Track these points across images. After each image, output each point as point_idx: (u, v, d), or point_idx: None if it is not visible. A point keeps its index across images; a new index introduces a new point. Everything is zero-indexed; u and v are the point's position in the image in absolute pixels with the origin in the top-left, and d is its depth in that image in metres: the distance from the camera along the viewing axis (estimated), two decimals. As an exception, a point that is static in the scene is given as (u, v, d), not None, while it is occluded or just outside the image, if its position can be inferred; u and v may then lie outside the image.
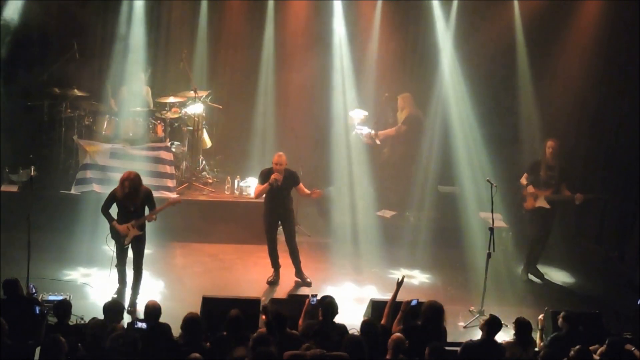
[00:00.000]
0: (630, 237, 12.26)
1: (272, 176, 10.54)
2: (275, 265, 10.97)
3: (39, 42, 12.73)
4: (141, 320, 7.84)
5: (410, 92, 13.38)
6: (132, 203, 9.66)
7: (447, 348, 7.76)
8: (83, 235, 11.31)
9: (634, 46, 12.21)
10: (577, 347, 7.59)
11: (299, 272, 10.97)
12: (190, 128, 12.96)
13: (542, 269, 11.68)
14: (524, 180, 11.43)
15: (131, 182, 9.56)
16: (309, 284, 10.87)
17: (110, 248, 9.76)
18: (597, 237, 12.95)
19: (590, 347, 7.90)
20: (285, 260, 11.02)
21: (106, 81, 12.79)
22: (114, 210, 9.79)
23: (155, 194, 10.57)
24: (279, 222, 10.89)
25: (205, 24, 13.31)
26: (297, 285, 10.84)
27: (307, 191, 10.83)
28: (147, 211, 9.81)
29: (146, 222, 9.82)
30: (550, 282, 11.50)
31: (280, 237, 10.99)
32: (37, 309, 8.08)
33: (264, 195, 10.74)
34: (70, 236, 11.43)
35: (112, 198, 9.80)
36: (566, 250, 12.31)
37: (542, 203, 11.19)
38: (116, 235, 9.76)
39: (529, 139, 13.17)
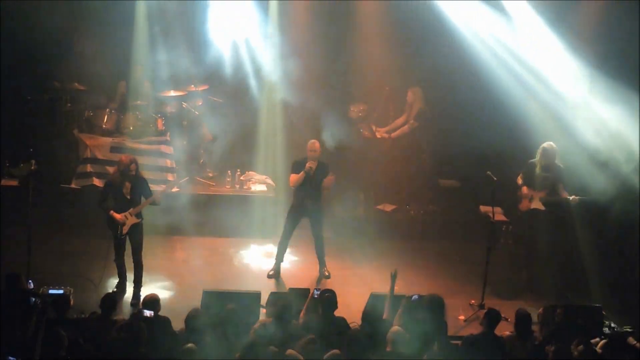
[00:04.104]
0: (630, 231, 12.23)
1: (307, 164, 10.56)
2: (279, 258, 10.98)
3: (39, 38, 12.69)
4: (146, 308, 7.87)
5: (413, 83, 13.37)
6: (132, 188, 9.71)
7: (449, 342, 7.79)
8: (83, 229, 11.32)
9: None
10: (580, 346, 7.59)
11: (321, 266, 11.00)
12: (191, 122, 12.98)
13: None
14: (519, 181, 11.34)
15: (137, 165, 9.73)
16: (327, 277, 10.94)
17: None
18: (597, 232, 12.91)
19: (591, 341, 7.92)
20: (290, 254, 11.06)
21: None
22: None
23: (156, 187, 10.63)
24: (304, 216, 10.90)
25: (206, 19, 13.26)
26: (297, 279, 10.84)
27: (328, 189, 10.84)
28: (142, 200, 9.92)
29: (142, 211, 9.87)
30: (550, 277, 11.47)
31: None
32: (32, 300, 8.09)
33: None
34: (70, 230, 11.45)
35: (107, 189, 9.86)
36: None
37: (537, 204, 11.11)
38: (113, 226, 9.81)
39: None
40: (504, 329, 8.43)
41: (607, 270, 11.80)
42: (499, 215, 11.03)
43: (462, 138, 13.19)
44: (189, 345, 7.15)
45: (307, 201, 10.73)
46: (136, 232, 9.89)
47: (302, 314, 8.44)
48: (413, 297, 8.34)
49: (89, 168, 12.29)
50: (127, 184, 9.80)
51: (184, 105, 12.99)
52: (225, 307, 7.97)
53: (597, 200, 11.49)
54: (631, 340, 7.97)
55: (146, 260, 10.15)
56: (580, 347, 7.57)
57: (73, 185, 12.22)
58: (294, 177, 10.72)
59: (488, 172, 10.68)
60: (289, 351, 7.40)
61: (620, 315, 9.51)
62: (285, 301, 8.18)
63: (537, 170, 11.15)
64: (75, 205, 11.90)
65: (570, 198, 11.00)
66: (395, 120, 13.56)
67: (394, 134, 13.35)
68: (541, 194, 11.11)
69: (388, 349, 7.54)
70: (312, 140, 10.77)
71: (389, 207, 13.29)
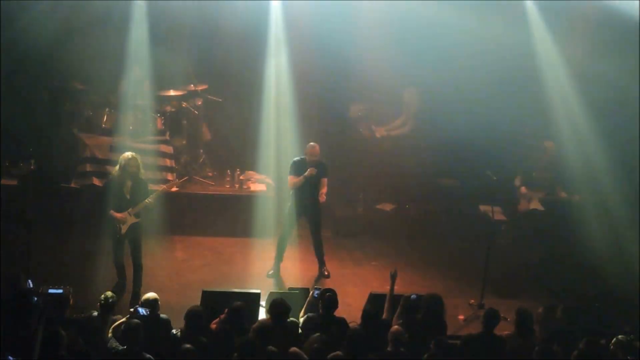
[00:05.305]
0: (630, 231, 12.23)
1: (308, 171, 10.57)
2: (279, 258, 10.98)
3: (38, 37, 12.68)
4: (143, 307, 7.88)
5: (412, 83, 13.37)
6: (132, 187, 9.73)
7: (448, 341, 7.78)
8: (83, 228, 11.32)
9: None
10: (585, 339, 7.60)
11: (321, 266, 10.99)
12: (190, 121, 12.99)
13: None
14: (517, 182, 11.36)
15: (137, 162, 9.73)
16: (327, 277, 10.94)
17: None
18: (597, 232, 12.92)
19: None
20: (289, 254, 11.09)
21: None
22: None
23: (155, 187, 10.63)
24: (303, 215, 10.90)
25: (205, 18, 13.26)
26: (297, 279, 10.84)
27: (325, 189, 10.80)
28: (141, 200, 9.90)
29: (142, 210, 9.90)
30: (550, 276, 11.48)
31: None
32: (34, 299, 8.11)
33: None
34: (70, 229, 11.45)
35: (109, 188, 9.88)
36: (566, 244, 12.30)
37: (535, 205, 11.14)
38: (112, 225, 9.81)
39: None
40: (504, 329, 8.42)
41: (606, 269, 11.82)
42: (498, 214, 11.04)
43: (461, 137, 13.18)
44: (187, 346, 7.15)
45: (305, 201, 10.74)
46: (135, 231, 9.90)
47: (302, 314, 8.44)
48: (412, 297, 8.34)
49: (88, 167, 12.29)
50: (128, 183, 9.82)
51: (184, 104, 12.99)
52: (233, 304, 7.99)
53: (596, 199, 11.53)
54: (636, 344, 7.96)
55: (145, 260, 10.15)
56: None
57: (72, 185, 12.23)
58: (293, 180, 10.72)
59: (488, 171, 10.68)
60: (293, 349, 7.41)
61: (619, 315, 9.52)
62: (285, 301, 8.18)
63: (536, 170, 11.18)
64: (75, 204, 11.91)
65: (572, 197, 11.05)
66: (394, 120, 13.58)
67: (393, 133, 13.37)
68: (540, 195, 11.13)
69: (389, 349, 7.55)
70: (312, 144, 10.75)
71: (388, 207, 13.30)
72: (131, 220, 9.83)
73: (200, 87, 13.03)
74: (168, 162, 12.54)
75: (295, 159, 10.85)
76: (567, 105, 12.70)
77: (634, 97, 12.24)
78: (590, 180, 12.14)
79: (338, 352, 7.36)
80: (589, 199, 11.55)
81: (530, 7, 12.77)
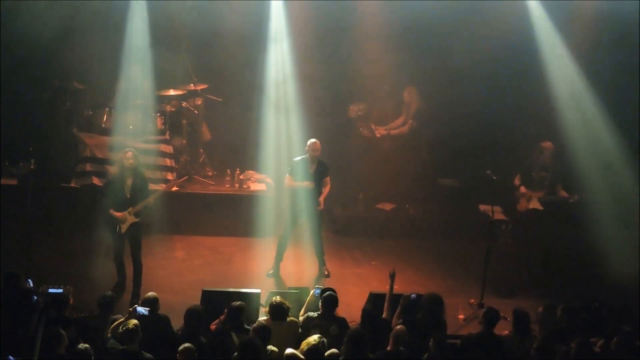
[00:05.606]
0: (630, 231, 12.24)
1: (305, 184, 10.60)
2: (279, 258, 10.97)
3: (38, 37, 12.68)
4: (142, 307, 7.88)
5: (411, 83, 13.37)
6: (133, 186, 9.73)
7: (447, 341, 7.78)
8: (83, 228, 11.31)
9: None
10: (578, 340, 7.60)
11: (321, 265, 10.99)
12: (190, 121, 12.99)
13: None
14: (516, 181, 11.37)
15: (134, 155, 9.76)
16: (327, 276, 10.94)
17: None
18: (596, 232, 12.91)
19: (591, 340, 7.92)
20: (289, 253, 11.09)
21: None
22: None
23: (155, 187, 10.63)
24: (303, 215, 10.89)
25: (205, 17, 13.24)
26: (297, 278, 10.83)
27: (327, 189, 10.82)
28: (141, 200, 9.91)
29: (142, 210, 9.91)
30: (550, 276, 11.48)
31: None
32: (34, 298, 8.12)
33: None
34: (69, 229, 11.45)
35: (109, 187, 9.89)
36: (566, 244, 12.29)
37: (535, 204, 11.14)
38: (112, 225, 9.81)
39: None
40: (503, 329, 8.42)
41: (606, 269, 11.81)
42: (498, 214, 11.04)
43: (461, 137, 13.18)
44: (187, 345, 7.15)
45: (306, 200, 10.73)
46: (135, 231, 9.91)
47: (302, 313, 8.45)
48: (412, 296, 8.34)
49: (88, 167, 12.29)
50: (129, 181, 9.82)
51: (184, 104, 12.99)
52: (233, 303, 7.99)
53: (596, 200, 11.51)
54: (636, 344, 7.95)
55: (145, 259, 10.17)
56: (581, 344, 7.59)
57: (72, 184, 12.23)
58: (290, 181, 10.73)
59: (487, 171, 10.68)
60: (289, 351, 7.41)
61: (619, 316, 9.51)
62: (285, 301, 8.18)
63: (535, 170, 11.18)
64: (75, 204, 11.90)
65: (572, 197, 11.04)
66: (394, 120, 13.58)
67: (392, 132, 13.37)
68: (539, 194, 11.13)
69: (390, 348, 7.55)
70: (313, 140, 10.73)
71: (388, 206, 13.30)
72: (131, 219, 9.84)
73: (200, 87, 13.02)
74: (168, 162, 12.54)
75: (296, 158, 10.84)
76: (572, 103, 12.71)
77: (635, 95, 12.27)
78: (593, 178, 12.16)
79: (336, 351, 7.36)
80: (589, 197, 11.52)
81: (532, 5, 12.76)
